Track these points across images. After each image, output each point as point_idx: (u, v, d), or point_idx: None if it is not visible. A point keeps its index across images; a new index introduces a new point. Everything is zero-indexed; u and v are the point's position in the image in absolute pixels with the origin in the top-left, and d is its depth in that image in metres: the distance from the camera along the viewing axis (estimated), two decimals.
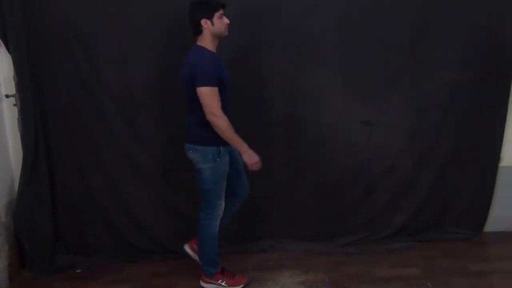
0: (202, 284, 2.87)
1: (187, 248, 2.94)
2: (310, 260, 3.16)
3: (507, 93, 3.27)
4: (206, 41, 2.58)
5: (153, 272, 3.05)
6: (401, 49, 3.18)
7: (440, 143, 3.29)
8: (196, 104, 2.53)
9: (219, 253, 2.83)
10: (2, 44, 2.82)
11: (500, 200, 3.39)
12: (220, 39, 2.62)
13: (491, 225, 3.45)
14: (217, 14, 2.55)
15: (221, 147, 2.62)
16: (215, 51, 2.60)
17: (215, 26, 2.55)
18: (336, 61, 3.16)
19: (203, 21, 2.54)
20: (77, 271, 3.05)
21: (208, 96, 2.49)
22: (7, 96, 2.90)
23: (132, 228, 3.17)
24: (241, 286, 2.86)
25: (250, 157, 2.60)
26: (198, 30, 2.57)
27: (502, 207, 3.35)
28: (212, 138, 2.57)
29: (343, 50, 3.15)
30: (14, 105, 2.89)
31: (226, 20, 2.59)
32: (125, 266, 3.10)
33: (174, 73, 2.78)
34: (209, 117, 2.51)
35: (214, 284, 2.84)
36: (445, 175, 3.35)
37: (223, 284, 2.83)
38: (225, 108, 2.58)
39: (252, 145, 3.20)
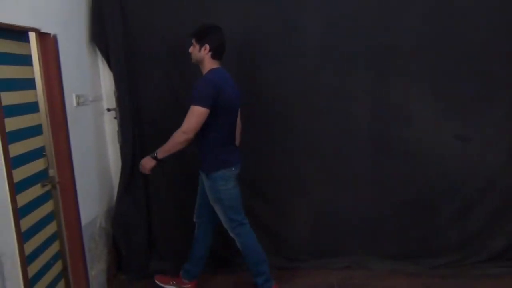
0: None
1: None
2: (397, 281, 3.06)
3: None
4: None
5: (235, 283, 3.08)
6: (500, 59, 2.98)
7: None
8: None
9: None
10: (105, 63, 3.04)
11: None
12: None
13: None
14: None
15: None
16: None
17: None
18: (426, 74, 3.04)
19: None
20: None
21: None
22: (108, 110, 3.12)
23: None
24: None
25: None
26: None
27: None
28: None
29: (434, 62, 3.02)
30: (115, 118, 3.10)
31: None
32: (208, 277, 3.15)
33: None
34: None
35: None
36: None
37: None
38: None
39: (338, 160, 3.17)
